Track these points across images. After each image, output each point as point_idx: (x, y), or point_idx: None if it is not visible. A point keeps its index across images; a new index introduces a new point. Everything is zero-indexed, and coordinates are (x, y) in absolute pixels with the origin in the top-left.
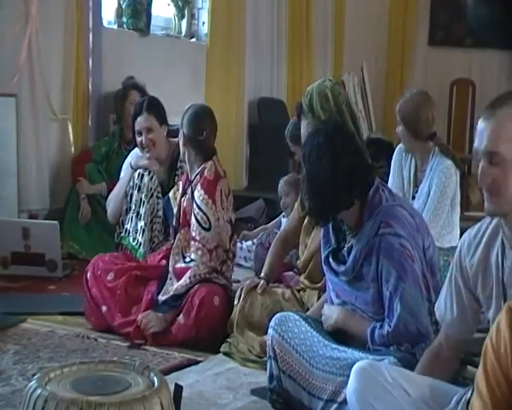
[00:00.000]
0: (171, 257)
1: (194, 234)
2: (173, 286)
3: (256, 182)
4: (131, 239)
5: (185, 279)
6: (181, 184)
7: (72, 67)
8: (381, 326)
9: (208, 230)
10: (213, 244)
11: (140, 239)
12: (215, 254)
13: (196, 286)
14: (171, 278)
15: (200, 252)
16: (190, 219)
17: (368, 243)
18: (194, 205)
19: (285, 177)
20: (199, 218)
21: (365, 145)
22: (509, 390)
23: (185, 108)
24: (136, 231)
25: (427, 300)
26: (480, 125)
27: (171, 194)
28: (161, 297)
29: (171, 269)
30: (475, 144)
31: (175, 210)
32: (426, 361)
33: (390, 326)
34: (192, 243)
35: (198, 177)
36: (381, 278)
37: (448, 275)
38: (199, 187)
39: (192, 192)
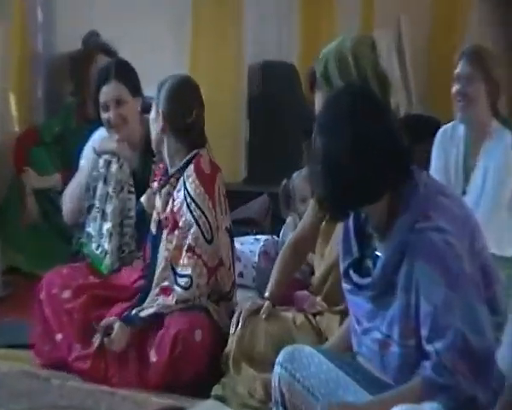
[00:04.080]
0: (157, 274)
1: (193, 243)
2: (159, 301)
3: (258, 171)
4: (94, 246)
5: (171, 299)
6: (155, 183)
7: (11, 20)
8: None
9: (210, 242)
10: (215, 262)
11: (106, 246)
12: (218, 276)
13: (174, 314)
14: (157, 295)
15: (198, 270)
16: (179, 221)
17: (401, 243)
18: (193, 204)
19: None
20: (201, 223)
21: (401, 123)
22: None
23: (161, 81)
24: (100, 236)
25: None
26: None
27: (143, 199)
28: (140, 313)
29: (157, 289)
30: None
31: (154, 216)
32: None
33: (440, 347)
34: (189, 254)
35: (192, 166)
36: (416, 288)
37: None
38: (194, 179)
39: (184, 189)
